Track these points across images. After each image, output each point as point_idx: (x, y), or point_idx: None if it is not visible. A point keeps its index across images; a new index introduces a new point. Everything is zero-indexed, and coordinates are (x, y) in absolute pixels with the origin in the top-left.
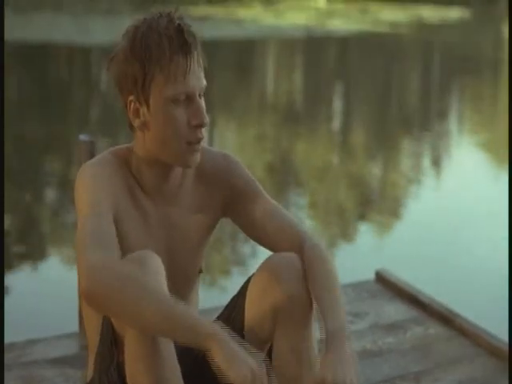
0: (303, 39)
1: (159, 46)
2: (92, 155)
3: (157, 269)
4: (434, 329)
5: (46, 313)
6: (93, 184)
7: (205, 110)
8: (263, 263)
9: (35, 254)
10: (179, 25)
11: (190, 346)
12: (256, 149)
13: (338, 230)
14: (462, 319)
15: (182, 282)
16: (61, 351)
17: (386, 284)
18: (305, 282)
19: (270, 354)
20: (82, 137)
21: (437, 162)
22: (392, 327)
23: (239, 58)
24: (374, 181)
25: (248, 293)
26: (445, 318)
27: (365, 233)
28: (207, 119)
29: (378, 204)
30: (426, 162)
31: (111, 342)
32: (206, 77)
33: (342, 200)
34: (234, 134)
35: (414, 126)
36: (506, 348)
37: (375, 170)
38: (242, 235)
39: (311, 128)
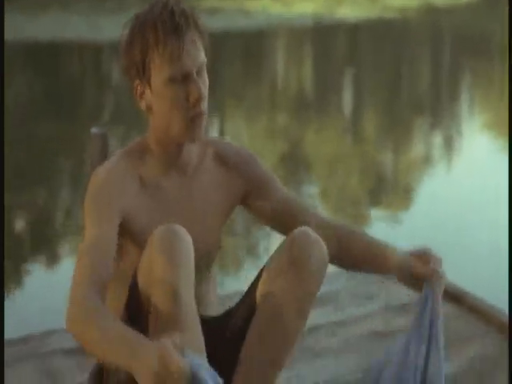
0: (312, 28)
1: (154, 31)
2: (105, 148)
3: (187, 239)
4: (445, 308)
5: (62, 305)
6: (99, 195)
7: (203, 86)
8: (286, 239)
9: (50, 250)
10: (172, 8)
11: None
12: (267, 138)
13: (349, 218)
14: (472, 297)
15: (201, 255)
16: (77, 342)
17: None
18: (326, 264)
19: None
20: (94, 130)
21: (448, 146)
22: (403, 308)
23: (249, 48)
24: (386, 167)
25: (264, 271)
26: (455, 297)
27: (376, 219)
28: (204, 93)
29: (389, 190)
30: (438, 146)
31: (136, 312)
32: (215, 69)
33: (353, 187)
34: (245, 124)
35: (426, 109)
36: None
37: (387, 156)
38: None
39: (322, 116)
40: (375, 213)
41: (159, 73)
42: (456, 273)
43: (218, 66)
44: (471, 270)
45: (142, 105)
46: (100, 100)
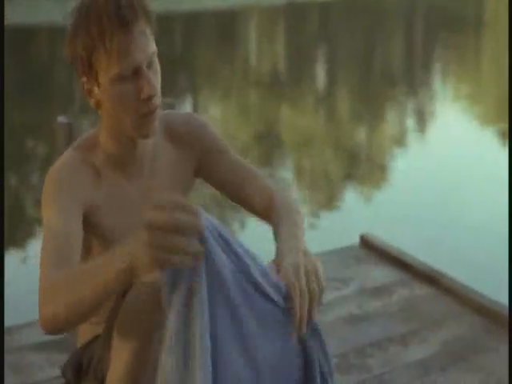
0: (285, 6)
1: (99, 26)
2: (71, 137)
3: None
4: (420, 290)
5: (30, 298)
6: (55, 192)
7: (154, 78)
8: None
9: (20, 239)
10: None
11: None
12: (242, 117)
13: (324, 196)
14: (448, 279)
15: None
16: (46, 336)
17: (370, 248)
18: None
19: None
20: (61, 119)
21: (422, 121)
22: (378, 291)
23: (222, 28)
24: (360, 144)
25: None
26: (430, 279)
27: (351, 198)
28: (157, 88)
29: (363, 165)
30: (412, 121)
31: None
32: (189, 49)
33: (327, 165)
34: (219, 103)
35: (399, 84)
36: (490, 305)
37: (361, 134)
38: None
39: (296, 94)
40: (350, 189)
41: (107, 70)
42: (436, 249)
43: (190, 46)
44: (451, 246)
45: (91, 102)
46: (71, 85)
